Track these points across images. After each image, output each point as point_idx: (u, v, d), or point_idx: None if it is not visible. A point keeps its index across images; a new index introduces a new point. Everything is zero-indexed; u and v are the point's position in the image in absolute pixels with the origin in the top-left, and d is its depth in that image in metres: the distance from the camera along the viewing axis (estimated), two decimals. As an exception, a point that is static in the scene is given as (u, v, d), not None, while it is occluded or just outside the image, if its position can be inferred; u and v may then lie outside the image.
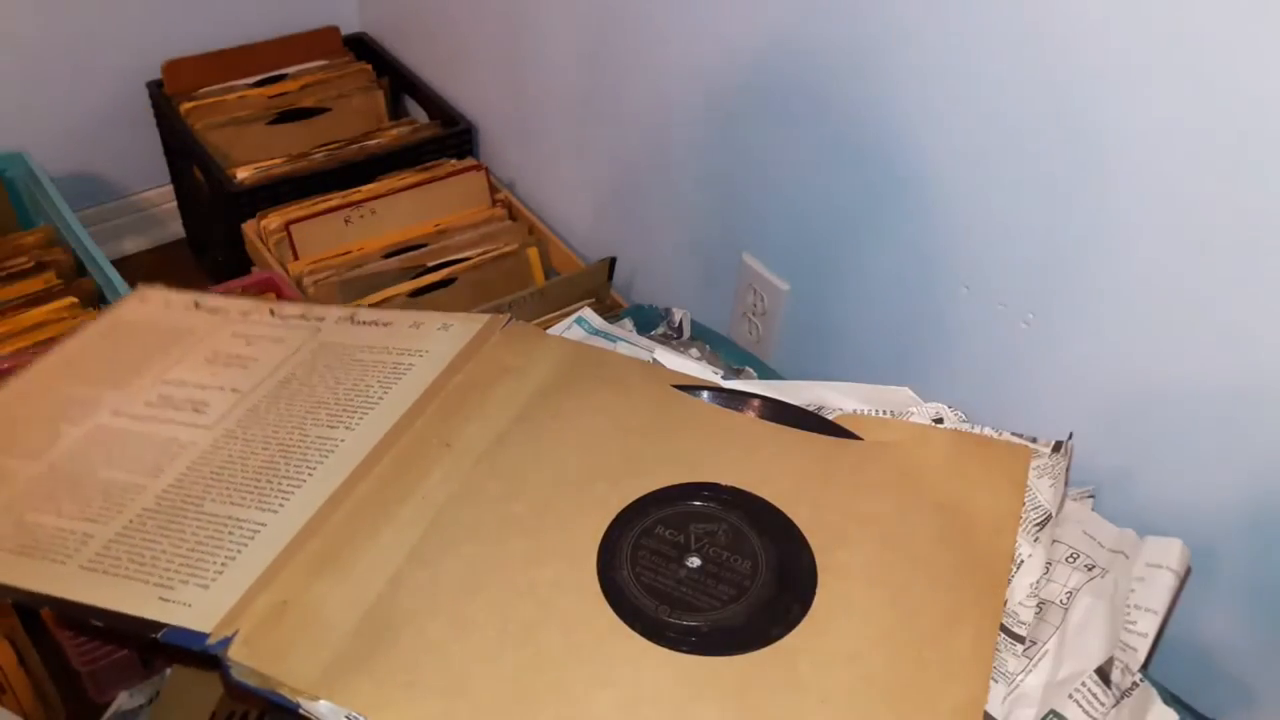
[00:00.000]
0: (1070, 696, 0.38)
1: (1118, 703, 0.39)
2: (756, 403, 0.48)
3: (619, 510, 0.43)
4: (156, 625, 0.37)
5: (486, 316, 0.52)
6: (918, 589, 0.40)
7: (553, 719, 0.35)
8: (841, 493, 0.44)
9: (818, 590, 0.39)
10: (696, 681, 0.36)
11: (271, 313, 0.55)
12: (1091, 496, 0.49)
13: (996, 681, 0.38)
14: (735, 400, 0.49)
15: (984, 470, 0.45)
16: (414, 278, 1.08)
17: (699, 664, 0.37)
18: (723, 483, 0.44)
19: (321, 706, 0.35)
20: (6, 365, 0.83)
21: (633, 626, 0.38)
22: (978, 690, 0.36)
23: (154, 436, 0.48)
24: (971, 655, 0.37)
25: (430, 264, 1.09)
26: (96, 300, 1.05)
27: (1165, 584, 0.43)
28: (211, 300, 0.57)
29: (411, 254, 1.10)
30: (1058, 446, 0.47)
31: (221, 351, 0.53)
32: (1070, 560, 0.44)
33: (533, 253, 1.11)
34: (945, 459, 0.45)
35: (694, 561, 0.41)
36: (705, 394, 0.49)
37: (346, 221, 1.10)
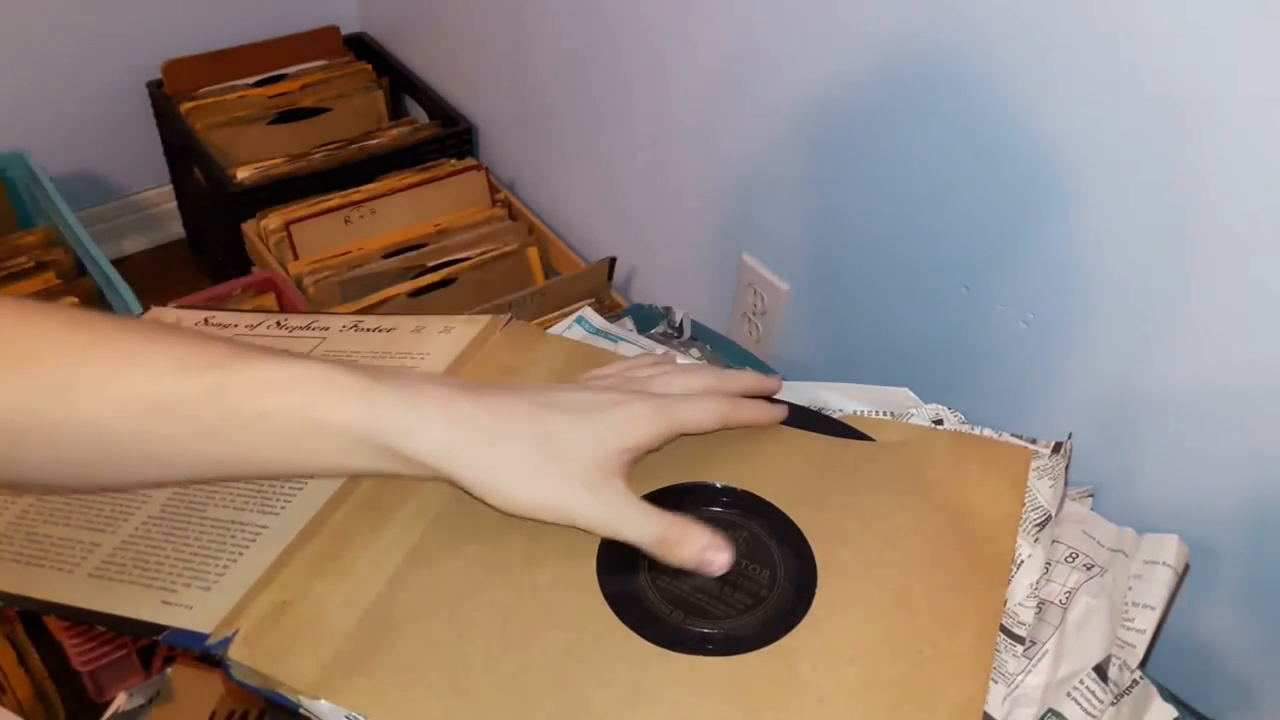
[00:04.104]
0: (1069, 695, 0.38)
1: (1116, 700, 0.39)
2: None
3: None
4: (158, 628, 0.37)
5: (487, 318, 0.52)
6: (918, 589, 0.40)
7: (552, 719, 0.35)
8: (841, 492, 0.44)
9: (817, 590, 0.39)
10: (695, 681, 0.36)
11: (278, 324, 0.56)
12: (1091, 495, 0.49)
13: (996, 681, 0.38)
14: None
15: (984, 471, 0.45)
16: (414, 278, 1.08)
17: (698, 664, 0.37)
18: (720, 483, 0.44)
19: (321, 706, 0.35)
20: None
21: (646, 633, 0.38)
22: (978, 690, 0.36)
23: None
24: (971, 655, 0.37)
25: (430, 264, 1.09)
26: (96, 300, 1.05)
27: (1163, 580, 0.43)
28: (220, 316, 0.57)
29: (411, 254, 1.10)
30: (1057, 447, 0.47)
31: None
32: (1069, 560, 0.44)
33: (533, 252, 1.11)
34: (945, 460, 0.45)
35: None
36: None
37: (346, 221, 1.10)
